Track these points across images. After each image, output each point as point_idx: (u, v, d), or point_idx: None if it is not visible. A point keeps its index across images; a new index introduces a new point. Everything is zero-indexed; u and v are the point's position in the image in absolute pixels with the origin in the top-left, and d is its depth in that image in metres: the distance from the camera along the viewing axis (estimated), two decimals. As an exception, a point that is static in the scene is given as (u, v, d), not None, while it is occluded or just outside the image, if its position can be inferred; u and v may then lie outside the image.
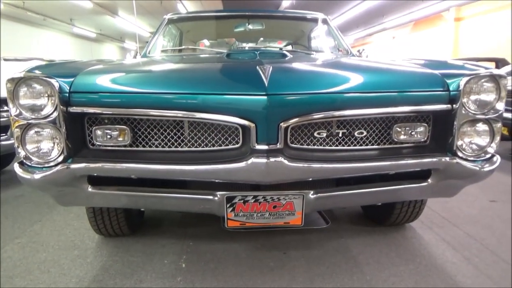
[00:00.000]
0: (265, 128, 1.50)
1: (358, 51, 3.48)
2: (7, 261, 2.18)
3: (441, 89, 1.64)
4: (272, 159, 1.49)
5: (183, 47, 3.45)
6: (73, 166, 1.58)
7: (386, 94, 1.59)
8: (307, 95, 1.51)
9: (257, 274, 1.98)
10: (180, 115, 1.53)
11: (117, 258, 2.18)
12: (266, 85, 1.46)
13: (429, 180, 1.76)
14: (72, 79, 1.59)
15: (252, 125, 1.49)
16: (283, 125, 1.50)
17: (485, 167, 1.67)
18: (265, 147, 1.52)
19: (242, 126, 1.54)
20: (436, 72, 1.72)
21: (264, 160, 1.49)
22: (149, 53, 3.12)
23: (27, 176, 1.57)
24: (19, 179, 1.60)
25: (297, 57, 2.20)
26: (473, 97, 1.65)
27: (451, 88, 1.64)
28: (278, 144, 1.53)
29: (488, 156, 1.72)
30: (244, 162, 1.50)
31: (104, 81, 1.61)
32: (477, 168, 1.66)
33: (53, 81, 1.52)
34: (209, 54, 2.90)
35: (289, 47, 3.45)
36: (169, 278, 1.96)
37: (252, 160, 1.49)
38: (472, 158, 1.69)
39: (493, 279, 1.92)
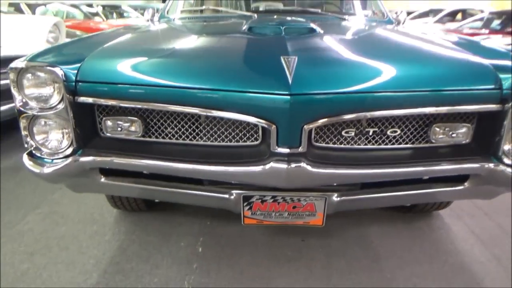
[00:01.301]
0: (287, 130, 1.35)
1: (396, 13, 3.13)
2: (29, 234, 2.21)
3: (493, 86, 1.42)
4: (293, 165, 1.36)
5: (203, 7, 3.19)
6: (82, 159, 1.50)
7: (427, 92, 1.39)
8: (335, 94, 1.33)
9: (273, 265, 1.94)
10: (196, 111, 1.39)
11: (134, 237, 2.17)
12: (290, 83, 1.29)
13: (465, 184, 1.60)
14: (78, 65, 1.46)
15: (273, 126, 1.34)
16: (307, 127, 1.34)
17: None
18: (286, 150, 1.38)
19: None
20: (487, 63, 1.48)
21: (284, 166, 1.36)
22: (167, 14, 2.91)
23: (36, 170, 1.50)
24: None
25: (327, 34, 1.96)
26: (530, 97, 1.43)
27: (504, 86, 1.42)
28: (300, 147, 1.38)
29: (538, 163, 1.52)
30: (263, 167, 1.37)
31: (112, 69, 1.46)
32: (524, 180, 1.48)
33: (57, 70, 1.39)
34: (231, 20, 2.66)
35: (319, 9, 3.13)
36: (184, 264, 1.94)
37: (272, 165, 1.36)
38: (519, 165, 1.50)
39: (524, 285, 1.81)
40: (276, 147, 1.38)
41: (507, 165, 1.49)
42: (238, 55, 1.57)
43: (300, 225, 1.64)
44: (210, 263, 1.95)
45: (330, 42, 1.81)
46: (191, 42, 1.83)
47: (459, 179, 1.59)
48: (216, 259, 1.98)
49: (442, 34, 2.15)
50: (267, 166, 1.37)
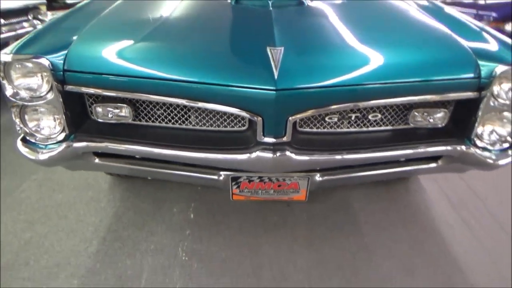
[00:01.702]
0: (273, 121, 1.41)
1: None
2: (26, 202, 2.32)
3: (472, 75, 1.47)
4: (278, 154, 1.44)
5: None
6: (76, 145, 1.55)
7: (411, 83, 1.44)
8: (321, 88, 1.37)
9: (261, 232, 2.09)
10: (182, 102, 1.43)
11: (128, 205, 2.29)
12: (276, 77, 1.32)
13: (438, 162, 1.72)
14: (65, 53, 1.46)
15: (259, 118, 1.40)
16: (292, 119, 1.40)
17: (500, 161, 1.59)
18: (271, 140, 1.45)
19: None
20: (470, 51, 1.52)
21: (270, 155, 1.44)
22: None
23: (31, 156, 1.55)
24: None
25: (315, 6, 1.93)
26: (505, 86, 1.49)
27: (482, 75, 1.47)
28: (285, 137, 1.45)
29: (507, 145, 1.63)
30: (249, 155, 1.45)
31: (97, 59, 1.45)
32: (491, 161, 1.59)
33: (43, 60, 1.40)
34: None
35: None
36: (178, 231, 2.09)
37: (258, 154, 1.44)
38: (489, 147, 1.61)
39: (488, 248, 2.01)
40: (262, 137, 1.45)
41: (478, 147, 1.60)
42: (223, 42, 1.57)
43: (285, 200, 1.76)
44: (202, 229, 2.10)
45: (317, 19, 1.79)
46: (175, 22, 1.79)
47: (433, 158, 1.70)
48: (208, 226, 2.13)
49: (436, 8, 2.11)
50: (253, 155, 1.45)
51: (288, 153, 1.45)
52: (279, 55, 1.38)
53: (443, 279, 1.82)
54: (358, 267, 1.88)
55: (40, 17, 4.15)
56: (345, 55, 1.48)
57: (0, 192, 2.39)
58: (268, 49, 1.41)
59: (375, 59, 1.46)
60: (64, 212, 2.23)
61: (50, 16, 4.19)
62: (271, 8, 1.84)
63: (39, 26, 1.70)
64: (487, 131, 1.60)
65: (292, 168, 1.51)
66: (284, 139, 1.46)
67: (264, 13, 1.79)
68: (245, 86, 1.34)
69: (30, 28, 3.98)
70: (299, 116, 1.41)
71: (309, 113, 1.41)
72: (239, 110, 1.39)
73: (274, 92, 1.32)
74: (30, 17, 4.08)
